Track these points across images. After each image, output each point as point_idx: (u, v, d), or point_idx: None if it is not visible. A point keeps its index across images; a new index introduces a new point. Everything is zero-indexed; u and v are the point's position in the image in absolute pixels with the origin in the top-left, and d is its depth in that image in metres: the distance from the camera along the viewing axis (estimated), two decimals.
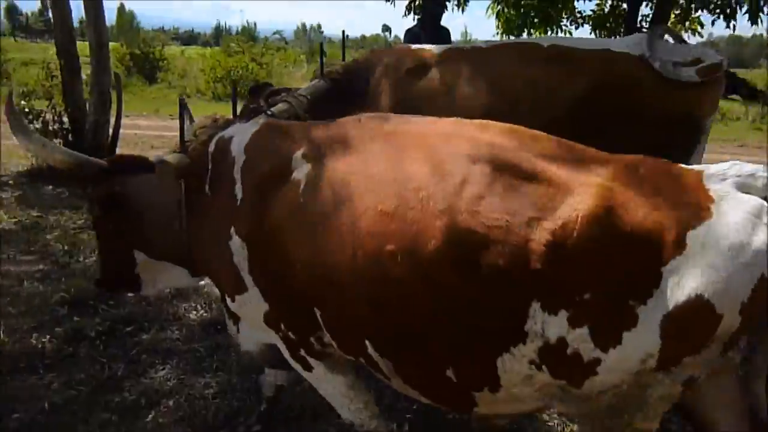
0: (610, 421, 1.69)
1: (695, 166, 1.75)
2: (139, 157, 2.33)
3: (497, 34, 8.27)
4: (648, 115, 2.99)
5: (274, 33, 29.31)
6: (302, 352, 2.12)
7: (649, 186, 1.64)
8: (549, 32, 7.82)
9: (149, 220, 2.32)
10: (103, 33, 7.63)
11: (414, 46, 3.53)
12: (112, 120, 8.11)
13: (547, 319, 1.62)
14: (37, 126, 7.21)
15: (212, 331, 3.67)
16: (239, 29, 60.38)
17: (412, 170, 1.81)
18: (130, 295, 3.69)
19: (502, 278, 1.64)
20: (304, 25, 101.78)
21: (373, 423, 2.22)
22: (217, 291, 2.69)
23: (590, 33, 8.19)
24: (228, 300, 2.20)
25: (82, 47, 7.81)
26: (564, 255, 1.59)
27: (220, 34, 75.58)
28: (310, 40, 59.64)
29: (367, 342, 1.90)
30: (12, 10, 71.54)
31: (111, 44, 9.56)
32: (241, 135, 2.20)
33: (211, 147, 2.24)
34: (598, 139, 1.94)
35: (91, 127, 7.60)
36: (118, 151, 2.68)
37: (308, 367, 2.16)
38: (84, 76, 7.82)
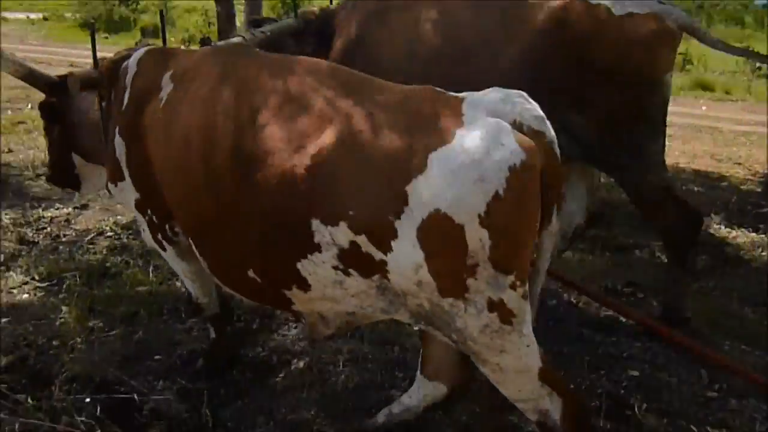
0: (441, 332, 1.92)
1: (462, 94, 1.88)
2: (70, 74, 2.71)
3: None
4: (601, 68, 2.90)
5: None
6: (159, 236, 2.56)
7: (408, 114, 1.85)
8: None
9: (78, 127, 2.79)
10: None
11: None
12: None
13: (332, 231, 1.86)
14: None
15: None
16: None
17: (229, 97, 2.14)
18: None
19: (279, 197, 1.94)
20: None
21: (206, 300, 2.77)
22: None
23: None
24: (111, 186, 2.63)
25: None
26: (324, 177, 1.86)
27: None
28: None
29: (190, 233, 2.37)
30: None
31: None
32: (137, 55, 2.57)
33: (122, 64, 2.59)
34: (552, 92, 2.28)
35: None
36: None
37: (164, 248, 2.61)
38: (238, 23, 8.00)
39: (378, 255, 1.83)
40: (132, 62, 2.54)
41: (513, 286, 1.78)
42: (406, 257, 1.78)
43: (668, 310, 3.22)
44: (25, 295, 3.47)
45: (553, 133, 1.86)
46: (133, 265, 3.78)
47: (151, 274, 3.68)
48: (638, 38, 2.88)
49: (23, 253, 3.95)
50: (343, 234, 1.84)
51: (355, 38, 3.34)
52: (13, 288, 3.54)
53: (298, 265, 1.98)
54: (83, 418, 2.42)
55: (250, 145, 2.01)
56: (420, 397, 2.39)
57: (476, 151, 1.71)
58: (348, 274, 1.92)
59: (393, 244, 1.78)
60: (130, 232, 4.31)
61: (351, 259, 1.88)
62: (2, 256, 3.85)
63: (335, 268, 1.92)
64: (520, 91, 1.88)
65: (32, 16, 20.47)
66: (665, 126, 3.07)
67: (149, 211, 2.53)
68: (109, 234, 4.21)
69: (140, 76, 2.49)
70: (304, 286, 2.03)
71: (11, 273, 3.68)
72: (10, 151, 6.07)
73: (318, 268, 1.95)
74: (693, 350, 2.80)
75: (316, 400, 2.66)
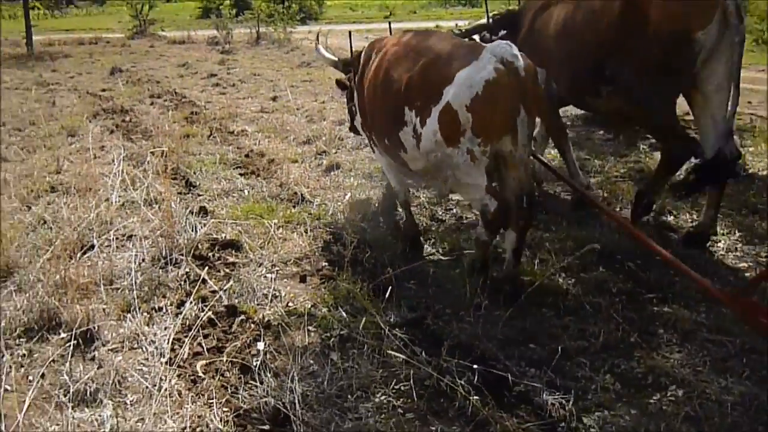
0: (439, 173, 3.52)
1: (488, 44, 3.43)
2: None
3: None
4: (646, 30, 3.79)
5: None
6: (371, 143, 4.38)
7: (457, 54, 3.38)
8: None
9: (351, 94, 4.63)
10: None
11: None
12: None
13: (410, 115, 3.48)
14: None
15: (742, 327, 3.13)
16: None
17: (390, 52, 3.83)
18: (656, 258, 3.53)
19: (394, 96, 3.60)
20: None
21: (399, 187, 4.28)
22: None
23: None
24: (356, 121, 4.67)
25: None
26: (411, 87, 3.48)
27: None
28: None
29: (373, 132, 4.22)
30: None
31: None
32: (370, 42, 4.35)
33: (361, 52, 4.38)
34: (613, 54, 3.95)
35: None
36: None
37: (374, 150, 4.41)
38: None
39: (420, 129, 3.43)
40: (364, 49, 4.29)
41: (479, 144, 3.23)
42: (431, 127, 3.35)
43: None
44: (431, 265, 4.03)
45: (522, 63, 3.18)
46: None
47: (536, 266, 3.86)
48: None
49: (433, 228, 4.59)
50: (414, 118, 3.45)
51: (528, 28, 4.81)
52: (425, 256, 4.16)
53: (401, 133, 3.60)
54: (462, 382, 2.71)
55: (390, 75, 3.67)
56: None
57: (473, 71, 3.19)
58: (415, 138, 3.49)
59: (428, 120, 3.36)
60: None
61: (415, 132, 3.47)
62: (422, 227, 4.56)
63: (413, 135, 3.50)
64: (509, 42, 3.38)
65: None
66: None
67: (366, 129, 4.31)
68: None
69: (365, 55, 4.20)
70: (403, 146, 3.64)
71: (424, 243, 4.33)
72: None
73: (407, 135, 3.55)
74: (663, 257, 3.34)
75: None
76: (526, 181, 3.32)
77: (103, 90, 11.09)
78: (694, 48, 3.66)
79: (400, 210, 4.47)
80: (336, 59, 4.84)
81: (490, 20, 5.16)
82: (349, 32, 5.55)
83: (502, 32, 5.05)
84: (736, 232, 4.37)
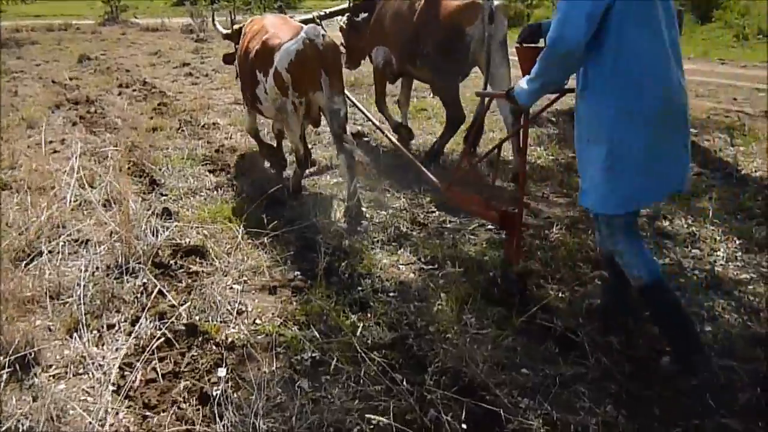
0: (281, 116, 4.75)
1: (305, 26, 4.69)
2: None
3: None
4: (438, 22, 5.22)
5: None
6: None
7: (287, 30, 4.71)
8: None
9: None
10: None
11: None
12: None
13: (260, 77, 4.72)
14: None
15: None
16: None
17: (255, 27, 5.19)
18: None
19: (250, 62, 4.86)
20: None
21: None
22: None
23: None
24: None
25: None
26: (258, 54, 4.74)
27: None
28: None
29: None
30: None
31: None
32: (248, 21, 5.76)
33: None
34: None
35: None
36: None
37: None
38: None
39: (265, 85, 4.69)
40: (243, 26, 5.51)
41: (297, 96, 4.53)
42: (270, 83, 4.59)
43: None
44: (411, 275, 3.72)
45: (321, 40, 4.40)
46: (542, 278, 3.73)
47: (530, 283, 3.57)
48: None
49: (414, 233, 4.28)
50: (262, 78, 4.72)
51: (376, 14, 6.02)
52: (402, 264, 3.85)
53: (257, 90, 4.91)
54: (448, 418, 2.41)
55: (248, 46, 4.94)
56: None
57: (290, 44, 4.43)
58: (266, 94, 4.76)
59: (267, 79, 4.62)
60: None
61: (264, 87, 4.75)
62: (394, 232, 4.25)
63: (264, 91, 4.79)
64: (316, 26, 4.76)
65: None
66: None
67: (241, 89, 5.61)
68: (490, 227, 4.25)
69: (243, 31, 5.36)
70: (258, 100, 4.96)
71: (402, 250, 4.01)
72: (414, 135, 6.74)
73: (261, 91, 4.84)
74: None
75: None
76: (339, 122, 4.54)
77: (70, 79, 10.53)
78: (466, 38, 5.05)
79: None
80: (227, 32, 5.95)
81: (351, 5, 6.51)
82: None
83: (363, 15, 6.28)
84: (735, 239, 4.13)
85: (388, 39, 5.81)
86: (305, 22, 5.70)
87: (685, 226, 4.36)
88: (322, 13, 6.86)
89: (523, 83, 2.84)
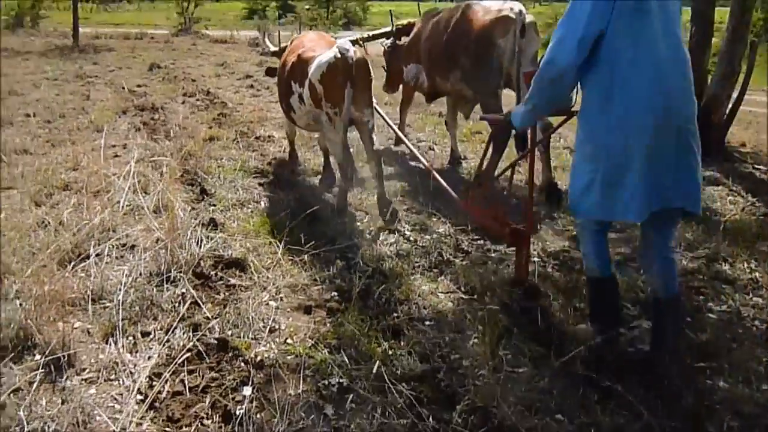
0: (314, 126, 5.18)
1: (339, 40, 5.03)
2: None
3: None
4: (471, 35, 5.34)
5: None
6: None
7: (322, 45, 5.03)
8: None
9: None
10: None
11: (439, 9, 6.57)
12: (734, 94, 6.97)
13: (296, 87, 4.99)
14: None
15: None
16: None
17: (294, 45, 5.58)
18: None
19: (288, 74, 5.19)
20: None
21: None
22: None
23: None
24: None
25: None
26: (295, 68, 5.05)
27: None
28: None
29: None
30: None
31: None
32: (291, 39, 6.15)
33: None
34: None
35: (708, 102, 6.84)
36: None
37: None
38: None
39: (303, 95, 4.96)
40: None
41: (330, 107, 4.68)
42: (306, 93, 4.84)
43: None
44: (450, 304, 3.61)
45: (352, 54, 4.54)
46: (552, 299, 3.59)
47: (570, 313, 3.42)
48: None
49: (456, 260, 4.17)
50: (298, 90, 5.03)
51: (413, 35, 6.39)
52: (441, 292, 3.75)
53: (290, 100, 5.25)
54: None
55: (287, 60, 5.27)
56: None
57: (323, 57, 4.63)
58: (302, 103, 5.03)
59: (303, 90, 4.90)
60: (557, 262, 4.13)
61: (301, 100, 5.02)
62: (437, 258, 4.16)
63: (298, 101, 5.10)
64: (347, 39, 4.95)
65: None
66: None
67: (280, 101, 5.75)
68: (535, 259, 4.11)
69: (286, 48, 5.65)
70: (293, 109, 5.29)
71: (443, 277, 3.92)
72: (464, 158, 6.65)
73: (295, 101, 5.18)
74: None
75: None
76: (368, 134, 4.87)
77: (139, 86, 10.98)
78: (497, 50, 5.12)
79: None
80: (276, 49, 6.35)
81: (394, 29, 6.91)
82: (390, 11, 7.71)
83: (406, 39, 6.58)
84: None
85: (420, 54, 5.99)
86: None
87: (747, 270, 4.09)
88: (366, 35, 7.16)
89: (519, 107, 3.01)
